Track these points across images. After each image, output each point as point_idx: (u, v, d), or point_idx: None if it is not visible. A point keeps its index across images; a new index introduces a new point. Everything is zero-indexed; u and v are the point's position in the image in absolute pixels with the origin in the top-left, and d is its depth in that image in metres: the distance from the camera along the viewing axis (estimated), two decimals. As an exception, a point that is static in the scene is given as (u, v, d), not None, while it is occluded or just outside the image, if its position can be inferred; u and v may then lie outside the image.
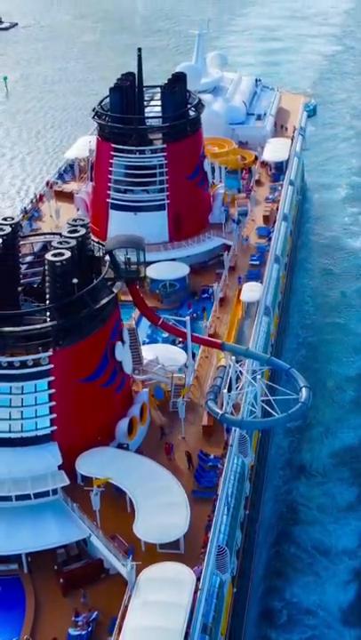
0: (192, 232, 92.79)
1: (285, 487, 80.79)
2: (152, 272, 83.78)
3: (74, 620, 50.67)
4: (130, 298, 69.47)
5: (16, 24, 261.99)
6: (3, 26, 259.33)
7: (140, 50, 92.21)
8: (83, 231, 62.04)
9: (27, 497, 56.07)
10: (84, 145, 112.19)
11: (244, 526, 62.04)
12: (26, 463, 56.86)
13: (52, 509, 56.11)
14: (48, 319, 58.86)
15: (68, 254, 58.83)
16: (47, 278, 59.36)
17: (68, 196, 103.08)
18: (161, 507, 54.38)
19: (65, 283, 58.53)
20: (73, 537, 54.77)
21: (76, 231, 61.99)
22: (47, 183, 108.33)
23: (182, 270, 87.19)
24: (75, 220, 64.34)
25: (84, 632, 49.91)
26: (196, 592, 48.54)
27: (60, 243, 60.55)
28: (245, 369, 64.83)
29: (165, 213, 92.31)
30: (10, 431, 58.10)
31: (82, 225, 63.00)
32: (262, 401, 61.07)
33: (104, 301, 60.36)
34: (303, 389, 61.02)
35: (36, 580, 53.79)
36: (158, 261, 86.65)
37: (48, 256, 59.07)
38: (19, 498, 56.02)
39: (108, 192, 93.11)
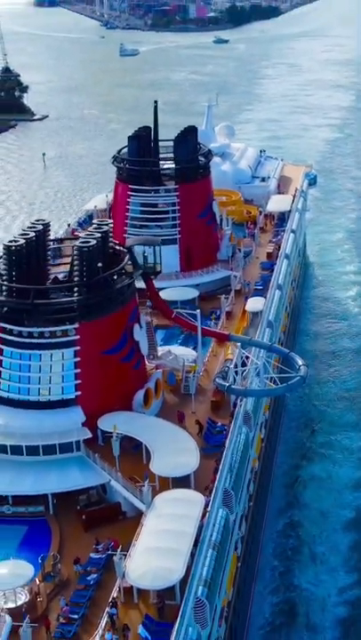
0: (201, 265, 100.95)
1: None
2: (164, 295, 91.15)
3: (94, 547, 56.57)
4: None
5: (47, 116, 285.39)
6: (36, 117, 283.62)
7: (156, 102, 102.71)
8: (106, 228, 70.42)
9: (53, 450, 62.44)
10: (101, 199, 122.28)
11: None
12: (53, 420, 63.60)
13: (75, 462, 62.48)
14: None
15: (93, 242, 67.04)
16: (75, 262, 67.19)
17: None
18: (174, 451, 60.93)
19: (90, 265, 66.41)
20: (95, 481, 61.02)
21: (100, 228, 70.41)
22: (68, 225, 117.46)
23: (192, 294, 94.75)
24: (100, 221, 72.93)
25: (103, 555, 55.73)
26: (204, 515, 54.63)
27: (87, 235, 68.85)
28: (252, 354, 71.98)
29: (177, 247, 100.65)
30: (39, 394, 65.02)
31: (105, 224, 71.46)
32: (267, 378, 68.22)
33: (124, 283, 68.12)
34: (301, 367, 68.61)
35: (60, 520, 59.73)
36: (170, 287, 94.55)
37: (77, 243, 67.27)
38: (46, 451, 62.34)
39: (125, 228, 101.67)
